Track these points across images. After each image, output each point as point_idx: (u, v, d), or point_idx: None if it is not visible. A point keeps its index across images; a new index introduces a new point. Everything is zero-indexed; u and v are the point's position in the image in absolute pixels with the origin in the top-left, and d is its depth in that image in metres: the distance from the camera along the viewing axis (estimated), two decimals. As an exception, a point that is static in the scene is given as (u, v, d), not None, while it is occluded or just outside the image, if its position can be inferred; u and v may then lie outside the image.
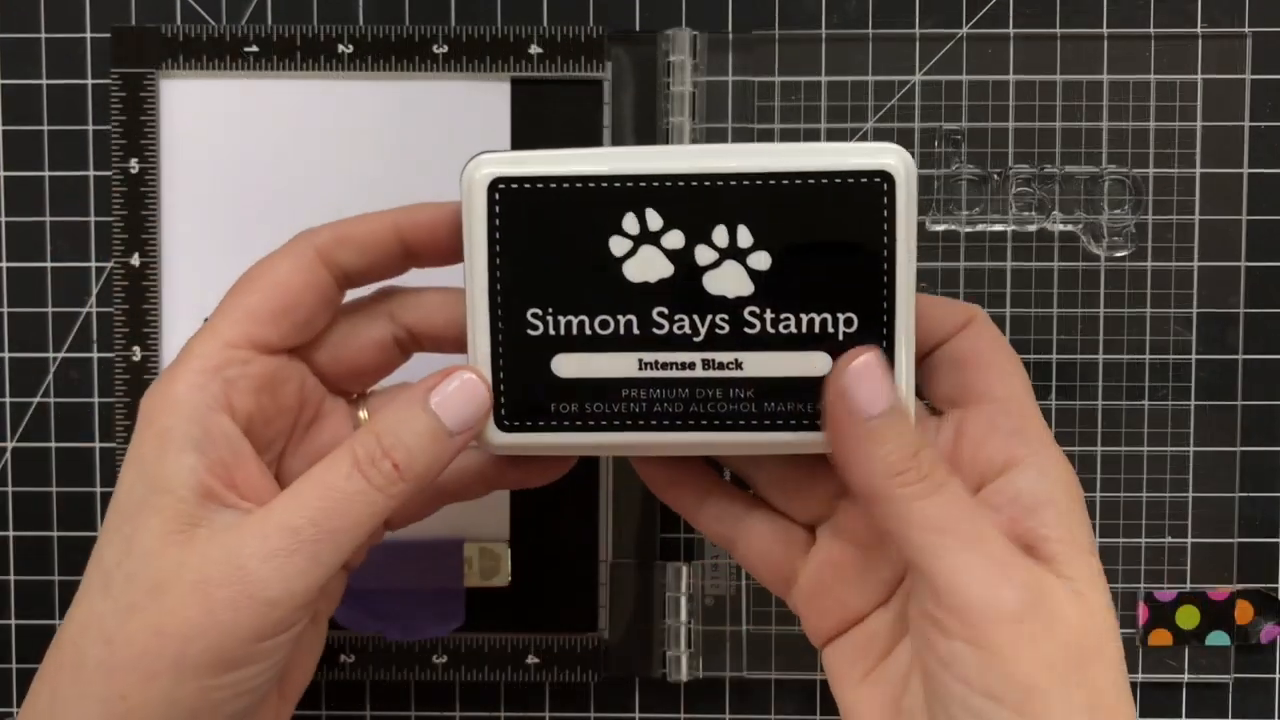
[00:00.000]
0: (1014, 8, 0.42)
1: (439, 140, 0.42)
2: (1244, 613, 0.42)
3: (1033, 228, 0.42)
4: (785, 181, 0.30)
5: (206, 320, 0.32)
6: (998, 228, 0.42)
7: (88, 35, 0.42)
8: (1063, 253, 0.42)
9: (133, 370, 0.41)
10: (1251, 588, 0.42)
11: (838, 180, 0.30)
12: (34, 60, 0.42)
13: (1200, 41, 0.41)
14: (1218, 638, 0.42)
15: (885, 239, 0.30)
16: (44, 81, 0.42)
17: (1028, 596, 0.28)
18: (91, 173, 0.42)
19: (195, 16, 0.42)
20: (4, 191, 0.42)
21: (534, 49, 0.41)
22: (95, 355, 0.42)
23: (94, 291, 0.42)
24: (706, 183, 0.30)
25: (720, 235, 0.30)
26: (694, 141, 0.41)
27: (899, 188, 0.30)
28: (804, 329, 0.30)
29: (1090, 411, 0.42)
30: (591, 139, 0.41)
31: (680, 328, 0.30)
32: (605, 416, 0.31)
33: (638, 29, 0.42)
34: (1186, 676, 0.42)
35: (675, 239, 0.30)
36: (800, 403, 0.31)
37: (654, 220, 0.30)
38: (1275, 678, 0.43)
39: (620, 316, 0.30)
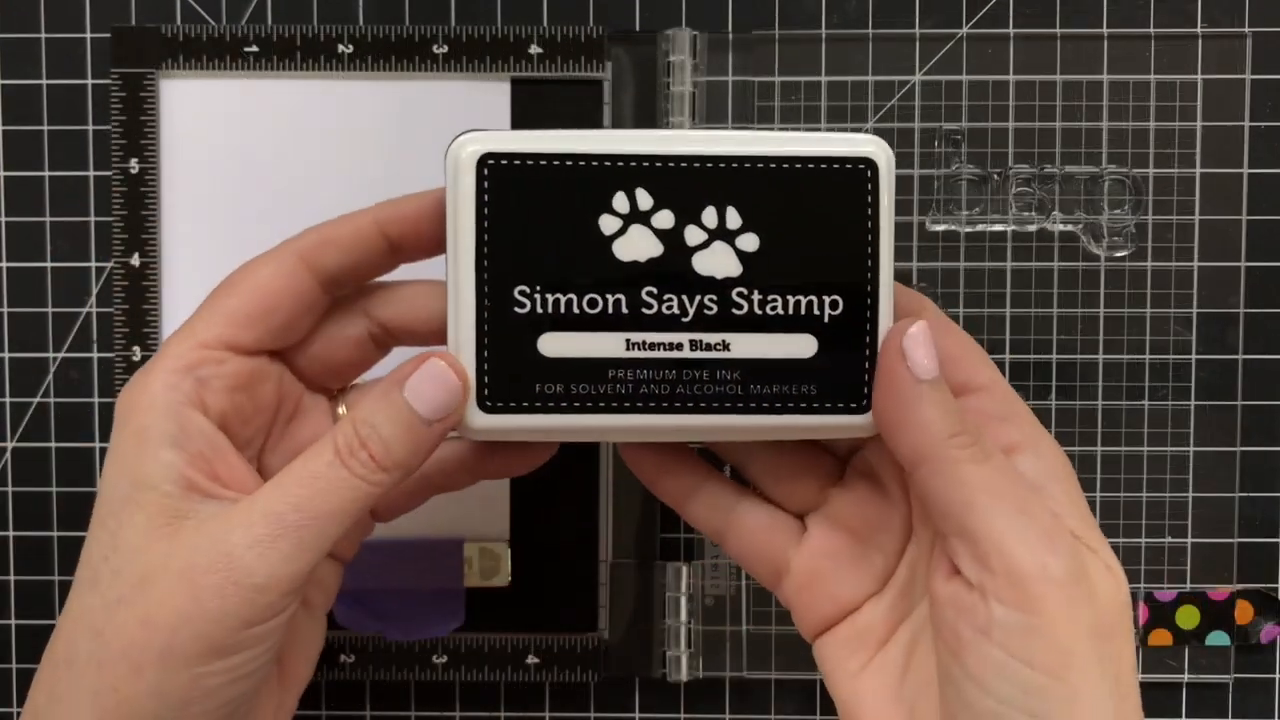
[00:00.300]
0: (1014, 8, 0.42)
1: (439, 140, 0.41)
2: (1244, 613, 0.42)
3: (1033, 228, 0.42)
4: (773, 165, 0.30)
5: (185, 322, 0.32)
6: (998, 228, 0.42)
7: (88, 35, 0.42)
8: (1063, 253, 0.42)
9: (133, 370, 0.41)
10: (1251, 588, 0.42)
11: (824, 165, 0.30)
12: (34, 60, 0.42)
13: (1200, 41, 0.41)
14: (1218, 638, 0.42)
15: (869, 223, 0.31)
16: (44, 81, 0.42)
17: (1073, 565, 0.29)
18: (91, 173, 0.42)
19: (195, 16, 0.42)
20: (4, 191, 0.42)
21: (534, 49, 0.41)
22: (95, 355, 0.42)
23: (94, 291, 0.42)
24: (697, 164, 0.30)
25: (710, 216, 0.30)
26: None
27: (881, 175, 0.30)
28: (791, 310, 0.31)
29: (1090, 411, 0.42)
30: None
31: (669, 308, 0.31)
32: (591, 398, 0.31)
33: (638, 29, 0.42)
34: (1186, 676, 0.42)
35: (665, 219, 0.30)
36: (786, 385, 0.31)
37: (644, 200, 0.30)
38: (1275, 678, 0.43)
39: (609, 295, 0.31)
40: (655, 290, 0.31)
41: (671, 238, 0.30)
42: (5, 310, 0.42)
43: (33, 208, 0.42)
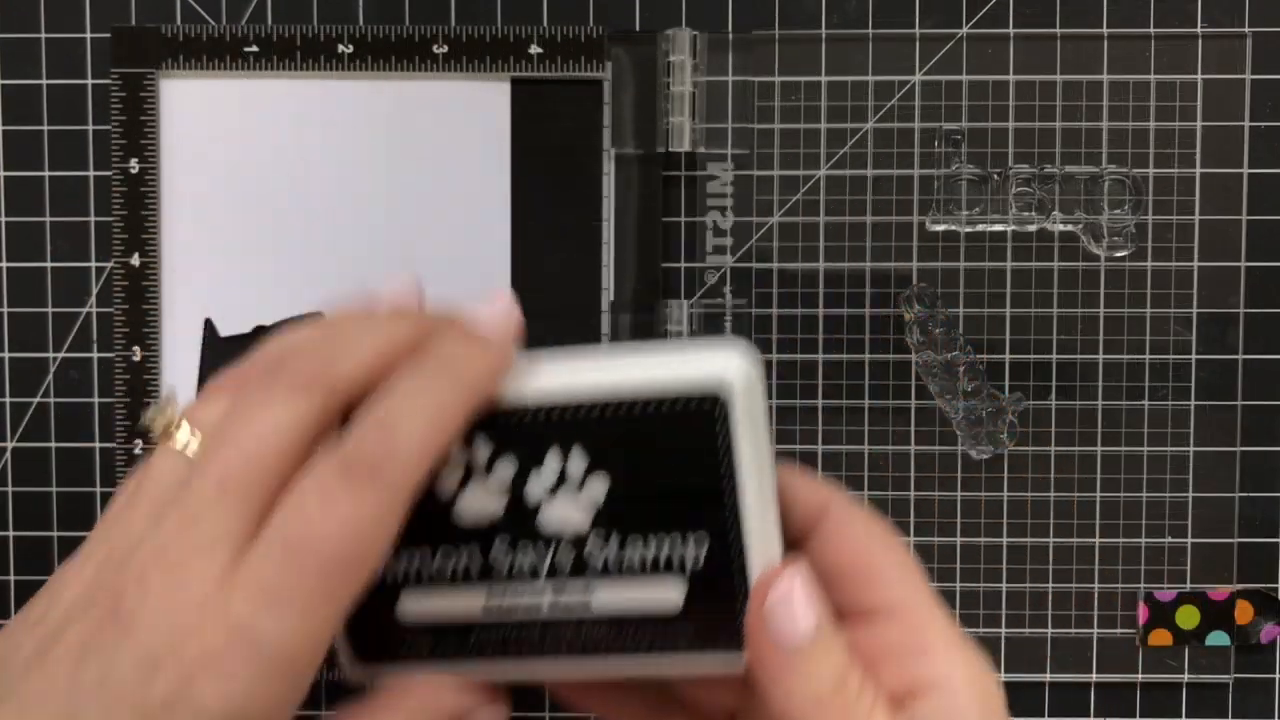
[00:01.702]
0: (1014, 8, 0.42)
1: (439, 140, 0.42)
2: (1244, 613, 0.42)
3: (1033, 228, 0.42)
4: (610, 408, 0.27)
5: None
6: (998, 228, 0.42)
7: (88, 35, 0.42)
8: (1063, 253, 0.42)
9: (133, 370, 0.41)
10: (1251, 588, 0.42)
11: (664, 406, 0.26)
12: (34, 60, 0.42)
13: (1200, 41, 0.41)
14: (1218, 638, 0.42)
15: (723, 465, 0.27)
16: (44, 81, 0.42)
17: None
18: (91, 173, 0.42)
19: (195, 16, 0.42)
20: (4, 191, 0.42)
21: (534, 49, 0.41)
22: (95, 355, 0.42)
23: (94, 291, 0.42)
24: (534, 412, 0.27)
25: (553, 461, 0.27)
26: (694, 142, 0.41)
27: (735, 404, 0.26)
28: (653, 553, 0.27)
29: (1090, 411, 0.42)
30: (591, 139, 0.41)
31: (522, 564, 0.28)
32: (459, 648, 0.28)
33: (638, 29, 0.42)
34: (1186, 676, 0.42)
35: (506, 468, 0.27)
36: (656, 635, 0.28)
37: (483, 450, 0.27)
38: (1275, 678, 0.43)
39: (461, 547, 0.28)
40: (509, 540, 0.28)
41: (513, 491, 0.27)
42: (5, 310, 0.42)
43: (33, 208, 0.42)
